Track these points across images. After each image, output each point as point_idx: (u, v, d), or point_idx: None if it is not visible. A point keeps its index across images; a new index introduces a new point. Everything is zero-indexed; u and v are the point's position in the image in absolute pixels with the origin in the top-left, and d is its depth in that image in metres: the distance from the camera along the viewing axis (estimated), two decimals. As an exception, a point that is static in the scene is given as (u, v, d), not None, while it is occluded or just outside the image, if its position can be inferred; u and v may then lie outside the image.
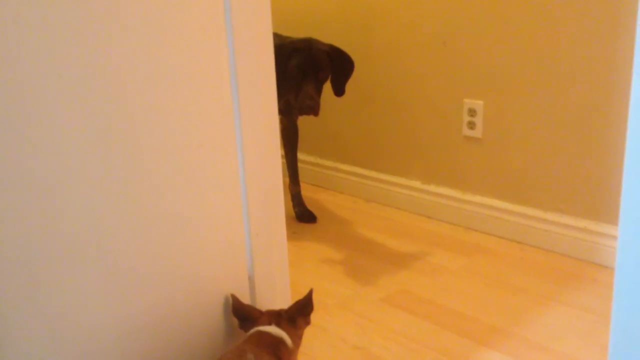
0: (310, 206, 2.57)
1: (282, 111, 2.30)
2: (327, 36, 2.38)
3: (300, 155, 3.02)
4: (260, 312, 1.30)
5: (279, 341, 1.23)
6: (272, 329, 1.23)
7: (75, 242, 1.05)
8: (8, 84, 0.93)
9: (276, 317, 1.29)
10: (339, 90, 2.33)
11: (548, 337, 1.75)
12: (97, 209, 1.07)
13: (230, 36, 1.22)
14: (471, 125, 2.37)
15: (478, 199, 2.42)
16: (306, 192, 2.76)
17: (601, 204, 2.11)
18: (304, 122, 2.58)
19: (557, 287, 2.01)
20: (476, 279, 1.97)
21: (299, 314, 1.31)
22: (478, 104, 2.33)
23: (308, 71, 2.19)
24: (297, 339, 1.30)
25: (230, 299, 1.29)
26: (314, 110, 2.15)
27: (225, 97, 1.25)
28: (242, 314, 1.29)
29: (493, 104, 2.30)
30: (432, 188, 2.49)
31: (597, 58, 2.01)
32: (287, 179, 2.55)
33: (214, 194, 1.27)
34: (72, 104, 1.01)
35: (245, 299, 1.39)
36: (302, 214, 2.56)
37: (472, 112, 2.35)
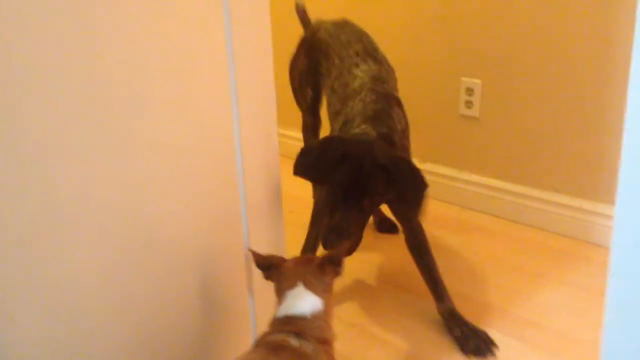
0: (306, 185, 2.56)
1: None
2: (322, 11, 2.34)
3: (290, 132, 3.02)
4: (283, 259, 1.27)
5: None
6: (293, 341, 1.15)
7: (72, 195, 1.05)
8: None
9: (302, 263, 1.26)
10: (404, 219, 1.71)
11: (542, 314, 1.77)
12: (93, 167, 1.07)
13: None
14: (468, 105, 2.37)
15: (475, 178, 2.43)
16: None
17: (596, 183, 2.11)
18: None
19: (551, 265, 2.03)
20: (472, 257, 1.99)
21: (329, 262, 1.25)
22: (476, 83, 2.32)
23: (350, 193, 1.53)
24: (327, 287, 1.25)
25: (250, 255, 1.28)
26: (342, 252, 1.32)
27: (221, 73, 1.25)
28: (265, 264, 1.27)
29: (491, 83, 2.30)
30: (428, 167, 2.50)
31: (595, 37, 2.00)
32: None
33: (209, 170, 1.27)
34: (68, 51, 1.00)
35: (242, 279, 1.39)
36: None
37: (469, 91, 2.35)
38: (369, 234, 2.01)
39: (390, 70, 1.94)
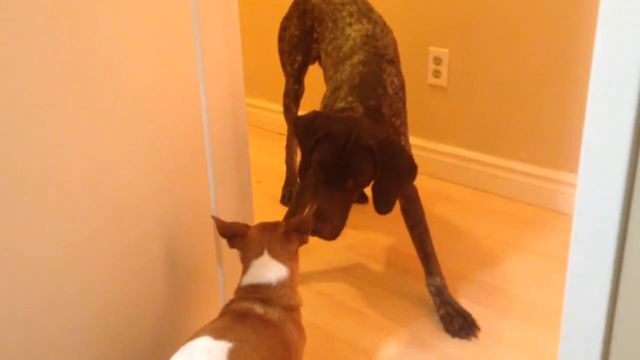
0: (274, 155, 2.56)
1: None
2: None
3: (259, 102, 3.00)
4: (247, 227, 1.27)
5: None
6: (259, 309, 1.16)
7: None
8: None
9: (268, 230, 1.25)
10: (383, 204, 1.54)
11: (507, 281, 1.81)
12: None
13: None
14: (436, 74, 2.37)
15: (442, 147, 2.44)
16: (270, 141, 2.75)
17: (560, 152, 2.15)
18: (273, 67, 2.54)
19: (517, 233, 2.06)
20: (439, 226, 2.01)
21: (294, 229, 1.25)
22: (444, 52, 2.33)
23: (333, 174, 1.48)
24: (292, 256, 1.25)
25: (214, 222, 1.27)
26: (323, 234, 1.46)
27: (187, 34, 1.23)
28: (229, 232, 1.26)
29: (459, 52, 2.30)
30: (397, 136, 2.50)
31: (562, 8, 2.01)
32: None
33: (176, 140, 1.26)
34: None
35: (210, 249, 1.39)
36: None
37: (437, 61, 2.35)
38: (366, 213, 2.00)
39: (386, 30, 1.87)
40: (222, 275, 1.42)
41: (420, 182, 2.46)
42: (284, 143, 2.33)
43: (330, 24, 1.91)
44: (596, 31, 0.66)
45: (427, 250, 1.70)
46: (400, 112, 1.67)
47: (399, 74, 1.74)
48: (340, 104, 1.61)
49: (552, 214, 2.16)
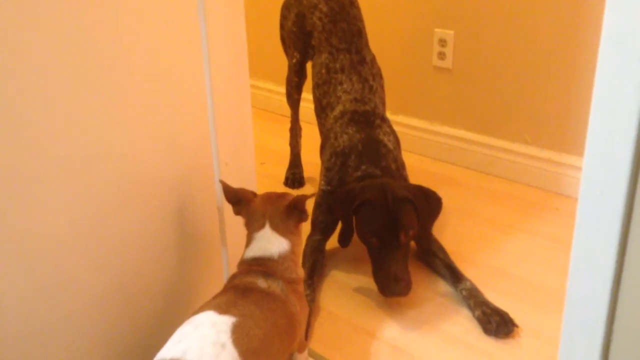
0: (278, 137, 2.55)
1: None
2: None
3: (263, 84, 2.99)
4: (254, 194, 1.27)
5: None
6: (261, 283, 1.17)
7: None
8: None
9: (272, 202, 1.25)
10: (426, 242, 1.76)
11: (508, 263, 1.81)
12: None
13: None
14: (441, 56, 2.36)
15: (446, 130, 2.44)
16: (274, 123, 2.75)
17: (565, 135, 2.14)
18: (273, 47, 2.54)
19: (520, 216, 2.07)
20: (442, 209, 2.01)
21: (293, 208, 1.25)
22: (449, 34, 2.31)
23: (386, 235, 1.61)
24: (293, 229, 1.25)
25: (221, 186, 1.27)
26: (402, 294, 1.60)
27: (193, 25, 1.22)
28: (235, 198, 1.26)
29: (464, 34, 2.29)
30: (400, 119, 2.50)
31: (568, -12, 2.00)
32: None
33: (181, 120, 1.26)
34: None
35: (215, 230, 1.40)
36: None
37: (442, 43, 2.34)
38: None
39: (375, 85, 1.95)
40: (226, 256, 1.43)
41: (424, 165, 2.47)
42: (288, 125, 2.33)
43: (324, 56, 1.98)
44: (604, 12, 0.66)
45: (447, 262, 1.75)
46: (403, 163, 1.87)
47: (390, 126, 1.90)
48: (358, 174, 1.76)
49: (556, 197, 2.16)
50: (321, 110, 1.98)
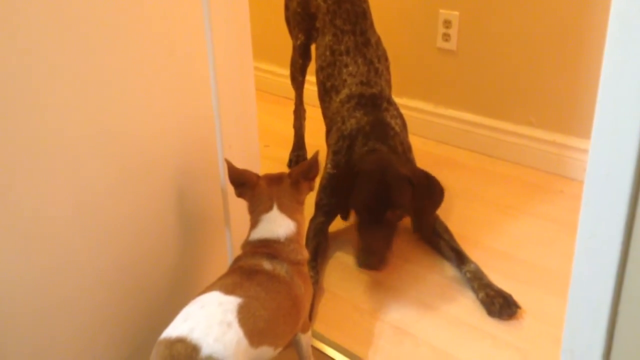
0: (282, 119, 2.55)
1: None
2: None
3: (267, 66, 2.98)
4: (258, 177, 1.26)
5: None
6: (267, 265, 1.17)
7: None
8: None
9: (276, 182, 1.25)
10: (425, 228, 1.77)
11: (512, 245, 1.81)
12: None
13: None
14: (446, 37, 2.34)
15: (450, 112, 2.43)
16: (277, 105, 2.74)
17: (570, 117, 2.13)
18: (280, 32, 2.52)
19: (524, 198, 2.06)
20: (447, 191, 2.01)
21: (303, 177, 1.26)
22: (454, 15, 2.30)
23: (375, 209, 1.62)
24: (299, 207, 1.26)
25: (225, 165, 1.26)
26: (372, 267, 1.62)
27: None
28: (239, 180, 1.25)
29: (469, 15, 2.27)
30: (404, 101, 2.49)
31: (574, -32, 1.98)
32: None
33: (185, 102, 1.26)
34: None
35: (219, 211, 1.40)
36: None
37: (447, 24, 2.32)
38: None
39: (380, 67, 1.93)
40: (230, 239, 1.44)
41: (428, 147, 2.46)
42: (292, 108, 2.33)
43: (327, 37, 1.96)
44: (612, -7, 0.65)
45: (452, 244, 1.75)
46: (410, 146, 1.85)
47: (397, 109, 1.89)
48: (364, 149, 1.74)
49: (561, 180, 2.15)
50: (325, 93, 1.96)
